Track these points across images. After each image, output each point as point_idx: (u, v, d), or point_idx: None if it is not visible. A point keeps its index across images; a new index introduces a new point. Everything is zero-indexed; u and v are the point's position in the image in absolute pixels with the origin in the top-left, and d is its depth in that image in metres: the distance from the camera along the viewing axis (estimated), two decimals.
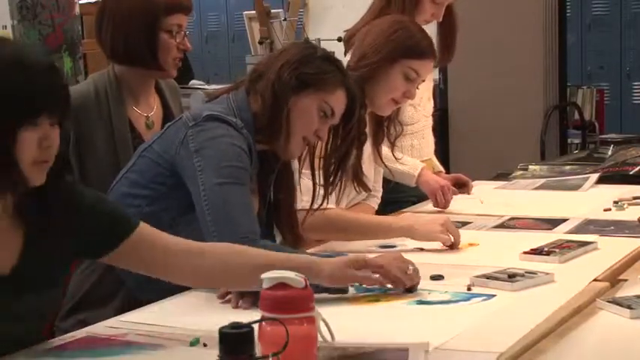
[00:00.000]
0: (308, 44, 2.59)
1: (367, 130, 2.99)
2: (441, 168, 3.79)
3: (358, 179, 2.95)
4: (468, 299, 2.25)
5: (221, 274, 2.06)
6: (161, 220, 2.35)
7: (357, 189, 2.98)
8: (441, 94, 6.29)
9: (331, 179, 2.59)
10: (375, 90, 2.91)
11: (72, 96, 2.75)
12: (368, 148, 3.02)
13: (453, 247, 2.78)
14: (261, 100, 2.42)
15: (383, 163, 3.15)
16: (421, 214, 3.18)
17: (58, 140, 1.84)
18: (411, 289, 2.28)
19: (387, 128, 3.09)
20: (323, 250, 2.72)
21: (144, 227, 2.02)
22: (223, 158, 2.29)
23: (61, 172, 1.90)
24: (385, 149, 3.41)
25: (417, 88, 3.02)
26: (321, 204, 2.60)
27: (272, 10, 6.66)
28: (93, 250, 1.99)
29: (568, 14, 6.93)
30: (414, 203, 3.47)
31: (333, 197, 2.81)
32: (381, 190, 3.17)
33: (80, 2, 5.58)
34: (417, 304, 2.23)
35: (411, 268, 2.28)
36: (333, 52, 2.76)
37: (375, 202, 3.13)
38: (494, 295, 2.26)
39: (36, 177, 1.82)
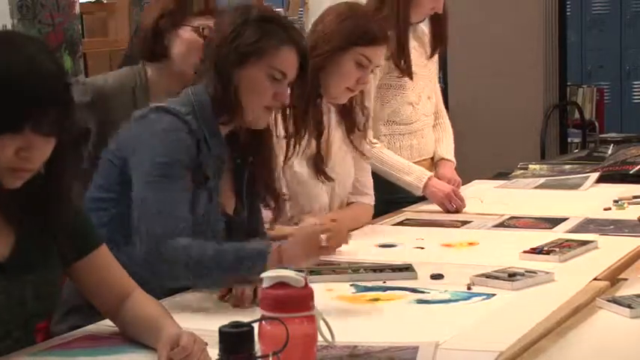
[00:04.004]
0: (241, 8, 2.42)
1: (334, 121, 2.98)
2: (444, 155, 3.67)
3: (318, 169, 2.92)
4: (467, 298, 2.25)
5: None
6: (128, 220, 2.33)
7: (321, 179, 2.94)
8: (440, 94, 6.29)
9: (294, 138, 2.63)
10: (329, 79, 2.90)
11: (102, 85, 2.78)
12: (337, 140, 3.00)
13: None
14: (210, 82, 2.38)
15: (363, 155, 3.10)
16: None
17: (48, 150, 1.82)
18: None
19: (354, 116, 3.05)
20: None
21: (105, 249, 2.05)
22: (157, 154, 2.27)
23: (59, 172, 1.90)
24: (389, 153, 3.42)
25: (373, 72, 3.00)
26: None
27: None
28: (66, 254, 1.99)
29: (568, 13, 6.92)
30: (414, 203, 3.47)
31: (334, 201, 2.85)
32: (372, 186, 3.14)
33: (80, 1, 5.57)
34: (417, 303, 2.23)
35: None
36: None
37: (368, 199, 3.11)
38: (494, 295, 2.26)
39: (9, 182, 1.82)
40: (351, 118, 3.04)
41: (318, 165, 2.92)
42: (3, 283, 1.88)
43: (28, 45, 1.82)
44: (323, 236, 2.18)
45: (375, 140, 3.24)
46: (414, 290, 2.32)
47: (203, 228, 2.35)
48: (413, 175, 3.40)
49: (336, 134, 3.00)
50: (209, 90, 2.38)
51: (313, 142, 2.91)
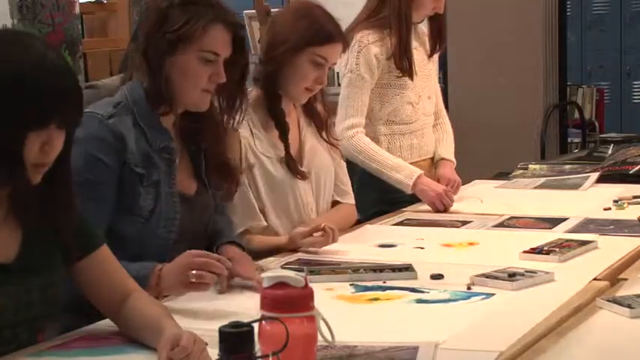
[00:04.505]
0: None
1: (304, 119, 2.98)
2: (444, 155, 3.67)
3: (291, 168, 2.90)
4: (467, 298, 2.25)
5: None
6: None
7: (298, 177, 2.91)
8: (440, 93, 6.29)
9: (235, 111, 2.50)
10: (287, 80, 2.88)
11: None
12: (309, 139, 2.99)
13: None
14: (143, 74, 2.36)
15: (339, 151, 3.09)
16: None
17: (62, 144, 1.85)
18: None
19: (317, 112, 3.03)
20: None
21: (106, 249, 2.05)
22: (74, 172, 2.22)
23: (65, 170, 1.92)
24: (380, 151, 3.42)
25: (330, 69, 2.99)
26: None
27: (272, 10, 6.65)
28: (69, 253, 1.99)
29: (568, 13, 6.93)
30: (412, 203, 3.47)
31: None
32: (349, 184, 3.13)
33: (80, 1, 5.58)
34: (417, 302, 2.23)
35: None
36: None
37: (349, 199, 3.10)
38: (493, 294, 2.26)
39: (33, 178, 1.84)
40: (316, 115, 3.04)
41: (290, 164, 2.90)
42: (9, 286, 1.88)
43: (35, 43, 1.84)
44: (193, 272, 2.14)
45: (339, 138, 3.19)
46: (413, 290, 2.32)
47: (153, 223, 2.35)
48: (403, 173, 3.39)
49: (307, 133, 2.99)
50: (144, 83, 2.36)
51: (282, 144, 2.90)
